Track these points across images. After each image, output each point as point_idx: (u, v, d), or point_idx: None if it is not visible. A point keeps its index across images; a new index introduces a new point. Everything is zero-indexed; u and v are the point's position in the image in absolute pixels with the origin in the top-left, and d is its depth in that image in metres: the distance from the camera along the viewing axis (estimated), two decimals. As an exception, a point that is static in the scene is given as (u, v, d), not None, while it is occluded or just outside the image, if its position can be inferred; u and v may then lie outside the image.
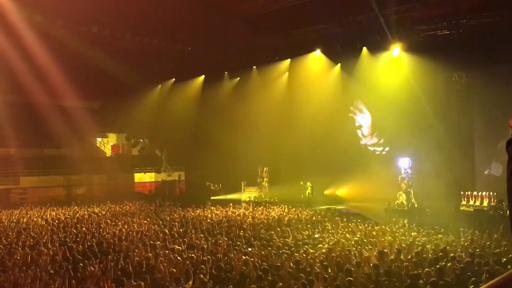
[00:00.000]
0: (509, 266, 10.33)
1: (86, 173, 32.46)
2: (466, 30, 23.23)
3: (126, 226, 17.69)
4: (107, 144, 38.25)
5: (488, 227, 16.10)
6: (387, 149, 29.40)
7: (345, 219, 19.41)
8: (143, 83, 32.98)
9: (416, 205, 24.04)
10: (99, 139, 37.80)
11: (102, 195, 30.94)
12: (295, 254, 12.17)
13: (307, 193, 28.08)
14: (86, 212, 22.56)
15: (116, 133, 38.80)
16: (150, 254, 12.11)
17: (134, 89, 33.14)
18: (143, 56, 29.41)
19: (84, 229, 16.82)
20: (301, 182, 28.38)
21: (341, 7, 23.30)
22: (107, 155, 37.37)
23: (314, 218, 20.20)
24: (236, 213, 22.27)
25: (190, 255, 12.06)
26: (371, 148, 30.42)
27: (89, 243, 13.80)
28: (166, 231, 16.43)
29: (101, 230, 16.56)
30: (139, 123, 34.74)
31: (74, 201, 26.46)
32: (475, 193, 22.08)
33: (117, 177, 34.30)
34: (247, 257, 11.70)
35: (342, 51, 27.51)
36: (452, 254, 11.82)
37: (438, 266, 10.51)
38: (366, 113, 30.64)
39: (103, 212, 22.66)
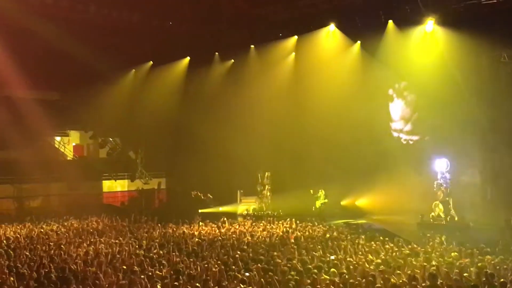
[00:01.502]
0: None
1: (42, 181, 32.44)
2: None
3: (92, 247, 17.68)
4: (68, 144, 38.23)
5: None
6: (426, 138, 28.88)
7: (367, 236, 19.41)
8: (113, 67, 32.97)
9: (456, 219, 24.06)
10: (58, 139, 37.79)
11: (62, 208, 30.93)
12: (305, 281, 12.18)
13: (319, 204, 28.12)
14: (42, 230, 22.53)
15: (80, 131, 38.78)
16: (124, 282, 12.09)
17: (102, 75, 33.11)
18: (113, 33, 29.41)
19: (40, 251, 16.80)
20: (312, 191, 28.41)
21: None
22: (68, 158, 37.34)
23: (328, 235, 20.22)
24: (231, 230, 22.28)
25: (173, 283, 12.06)
26: (404, 138, 29.93)
27: (46, 269, 13.77)
28: (143, 253, 16.42)
29: (61, 252, 16.53)
30: (108, 118, 34.74)
31: (27, 216, 26.44)
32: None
33: (80, 185, 34.29)
34: (244, 285, 11.69)
35: (362, 26, 27.49)
36: (502, 280, 11.83)
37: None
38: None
39: (64, 230, 22.64)
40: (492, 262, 14.15)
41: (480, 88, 25.83)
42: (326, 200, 28.07)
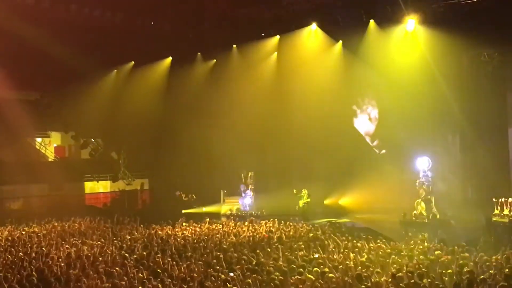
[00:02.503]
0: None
1: (23, 183, 32.12)
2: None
3: (74, 249, 17.57)
4: (49, 145, 37.92)
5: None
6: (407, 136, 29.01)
7: (350, 235, 19.52)
8: (94, 67, 32.72)
9: (438, 216, 24.24)
10: (39, 140, 37.46)
11: (44, 210, 30.67)
12: (289, 280, 12.21)
13: (302, 204, 28.16)
14: (23, 232, 22.32)
15: (61, 132, 38.46)
16: (107, 284, 12.04)
17: (83, 75, 32.84)
18: (94, 33, 29.21)
19: (20, 253, 16.66)
20: (295, 190, 28.44)
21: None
22: (50, 160, 37.04)
23: (311, 234, 20.29)
24: (215, 230, 22.27)
25: (156, 283, 12.02)
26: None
27: (27, 272, 13.67)
28: (126, 254, 16.36)
29: (43, 254, 16.41)
30: (89, 119, 34.51)
31: (7, 219, 26.17)
32: (510, 199, 22.32)
33: (62, 187, 34.04)
34: (228, 285, 11.70)
35: (344, 25, 27.61)
36: (482, 277, 11.96)
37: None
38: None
39: (45, 232, 22.46)
40: (473, 259, 14.30)
41: (460, 87, 26.10)
42: (308, 200, 28.13)
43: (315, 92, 28.94)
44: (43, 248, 17.68)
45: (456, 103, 25.85)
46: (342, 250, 16.52)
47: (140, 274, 13.17)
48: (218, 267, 13.95)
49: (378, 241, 18.06)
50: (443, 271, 12.62)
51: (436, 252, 15.70)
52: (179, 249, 17.41)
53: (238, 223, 24.87)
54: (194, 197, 32.98)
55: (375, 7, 26.42)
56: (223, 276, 12.77)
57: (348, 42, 28.71)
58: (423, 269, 13.06)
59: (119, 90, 34.85)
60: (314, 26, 29.25)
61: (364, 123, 30.94)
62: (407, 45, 26.81)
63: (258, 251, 16.48)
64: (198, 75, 34.01)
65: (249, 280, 12.15)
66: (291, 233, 20.98)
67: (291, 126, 30.53)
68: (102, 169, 36.32)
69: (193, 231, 22.22)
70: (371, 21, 27.15)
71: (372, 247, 16.89)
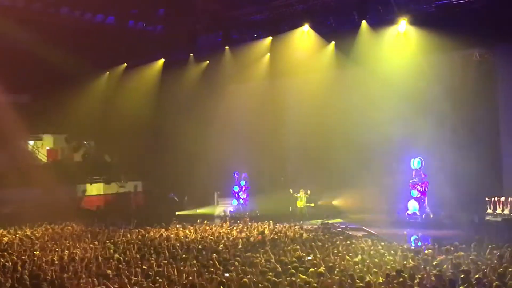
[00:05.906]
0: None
1: (15, 186, 31.95)
2: (488, -3, 23.60)
3: (67, 252, 17.49)
4: (41, 148, 37.73)
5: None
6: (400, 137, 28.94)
7: (344, 236, 19.52)
8: (86, 69, 32.68)
9: (431, 216, 24.31)
10: (31, 143, 37.29)
11: (36, 213, 30.47)
12: (284, 281, 12.18)
13: (302, 205, 28.11)
14: (15, 236, 22.21)
15: (53, 134, 38.32)
16: (100, 287, 11.99)
17: (75, 77, 32.82)
18: (86, 35, 29.17)
19: (14, 257, 16.56)
20: (291, 190, 28.42)
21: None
22: (42, 163, 36.88)
23: (305, 235, 20.28)
24: (209, 232, 22.23)
25: (150, 285, 11.98)
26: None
27: (20, 275, 13.59)
28: (119, 257, 16.29)
29: (35, 258, 16.33)
30: (82, 121, 34.39)
31: (-1, 223, 26.05)
32: (503, 199, 22.41)
33: (55, 190, 33.85)
34: (222, 287, 11.68)
35: (336, 26, 27.67)
36: (476, 276, 11.96)
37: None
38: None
39: (38, 235, 22.34)
40: (470, 257, 14.31)
41: (452, 87, 26.15)
42: (312, 204, 28.16)
43: (308, 92, 29.01)
44: (36, 252, 17.59)
45: (448, 103, 25.93)
46: (336, 250, 16.50)
47: (134, 277, 13.11)
48: (212, 269, 13.91)
49: (372, 241, 18.07)
50: (436, 271, 12.61)
51: (427, 251, 15.74)
52: (173, 251, 17.36)
53: (232, 225, 24.84)
54: (186, 198, 33.02)
55: (367, 8, 26.48)
56: (217, 277, 12.73)
57: (341, 43, 28.67)
58: (419, 269, 13.06)
59: (112, 92, 34.80)
60: (306, 27, 29.20)
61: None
62: (399, 45, 26.81)
63: (252, 252, 16.45)
64: (190, 77, 33.95)
65: (245, 280, 12.11)
66: (284, 234, 20.94)
67: (284, 126, 30.57)
68: (95, 172, 36.21)
69: (187, 233, 22.17)
70: (363, 22, 27.13)
71: (365, 247, 16.88)
